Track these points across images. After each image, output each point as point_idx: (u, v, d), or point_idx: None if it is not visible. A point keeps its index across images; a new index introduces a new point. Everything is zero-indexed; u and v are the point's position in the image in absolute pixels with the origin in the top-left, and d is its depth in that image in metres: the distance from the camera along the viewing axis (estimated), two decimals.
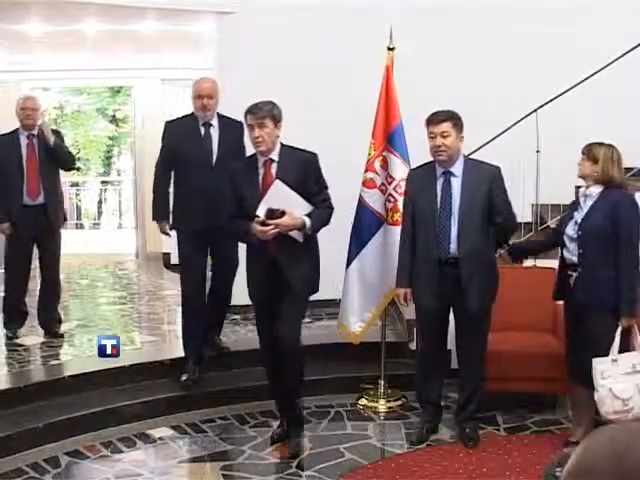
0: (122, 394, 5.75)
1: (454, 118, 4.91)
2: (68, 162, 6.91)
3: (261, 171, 4.85)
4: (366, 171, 5.84)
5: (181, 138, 5.82)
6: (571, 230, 4.79)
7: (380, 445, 5.27)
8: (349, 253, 5.89)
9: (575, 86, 6.75)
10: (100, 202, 19.44)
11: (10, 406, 5.40)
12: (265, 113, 4.77)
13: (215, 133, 5.82)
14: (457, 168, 4.94)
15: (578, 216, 4.78)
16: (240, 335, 7.01)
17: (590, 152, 4.73)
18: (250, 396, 5.87)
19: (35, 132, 6.61)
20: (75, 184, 16.22)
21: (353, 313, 5.92)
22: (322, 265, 5.01)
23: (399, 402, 5.89)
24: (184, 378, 5.86)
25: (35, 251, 6.83)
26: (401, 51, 5.87)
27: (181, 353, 6.05)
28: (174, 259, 7.75)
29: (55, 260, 6.86)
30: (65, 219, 7.06)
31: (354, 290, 5.89)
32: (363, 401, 5.93)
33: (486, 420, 5.49)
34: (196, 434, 5.41)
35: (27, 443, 5.14)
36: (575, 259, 4.76)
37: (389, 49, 5.84)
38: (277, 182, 4.72)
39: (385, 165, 5.78)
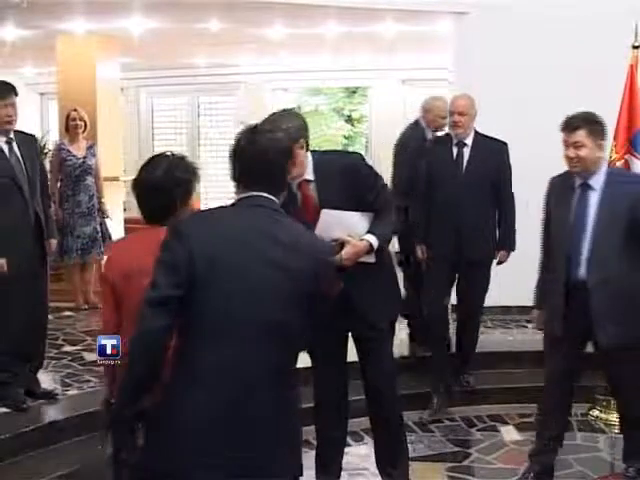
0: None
1: (589, 123, 4.18)
2: None
3: (299, 195, 3.94)
4: None
5: (435, 158, 5.66)
6: None
7: (610, 459, 5.08)
8: None
9: None
10: None
11: None
12: None
13: (467, 153, 5.58)
14: (596, 180, 4.23)
15: None
16: None
17: None
18: (479, 399, 5.86)
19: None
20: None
21: None
22: None
23: None
24: (425, 417, 5.63)
25: None
26: None
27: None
28: None
29: None
30: None
31: None
32: (595, 412, 5.72)
33: None
34: (423, 433, 5.45)
35: None
36: None
37: (634, 47, 5.61)
38: (324, 212, 3.84)
39: (627, 168, 5.55)
